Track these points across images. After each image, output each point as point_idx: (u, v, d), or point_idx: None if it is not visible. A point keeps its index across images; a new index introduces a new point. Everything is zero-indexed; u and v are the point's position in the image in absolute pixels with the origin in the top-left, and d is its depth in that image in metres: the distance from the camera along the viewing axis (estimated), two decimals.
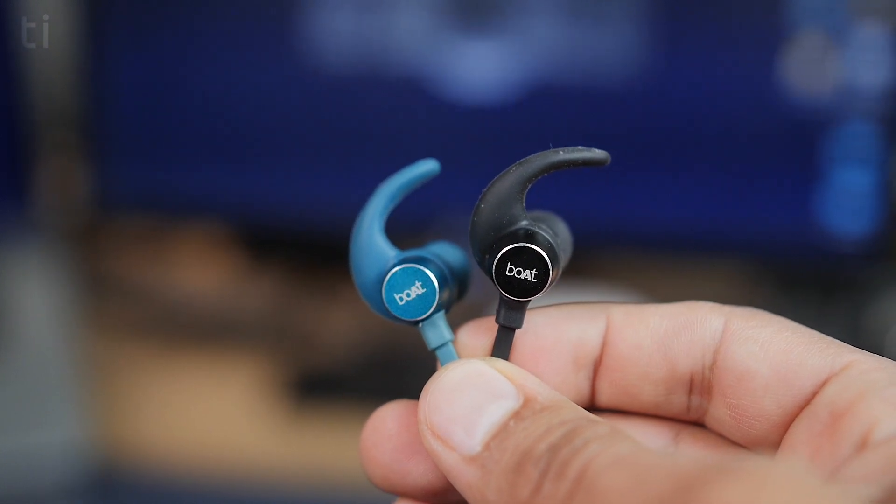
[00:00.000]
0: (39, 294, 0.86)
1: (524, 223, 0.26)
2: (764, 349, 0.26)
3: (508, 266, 0.26)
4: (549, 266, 0.26)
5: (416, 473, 0.27)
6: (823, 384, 0.25)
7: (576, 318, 0.27)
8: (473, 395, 0.25)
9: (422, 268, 0.27)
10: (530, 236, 0.26)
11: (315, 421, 0.85)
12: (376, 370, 0.88)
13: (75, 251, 0.92)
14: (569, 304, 0.28)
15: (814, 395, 0.25)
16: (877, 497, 0.22)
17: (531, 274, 0.26)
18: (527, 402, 0.24)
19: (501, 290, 0.26)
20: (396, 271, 0.27)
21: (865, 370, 0.25)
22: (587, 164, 0.27)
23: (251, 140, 0.89)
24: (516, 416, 0.24)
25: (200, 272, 0.97)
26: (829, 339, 0.26)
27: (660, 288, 0.92)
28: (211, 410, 0.86)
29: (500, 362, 0.26)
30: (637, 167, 0.85)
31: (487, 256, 0.26)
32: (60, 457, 0.80)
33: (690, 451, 0.27)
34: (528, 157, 0.27)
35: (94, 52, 0.88)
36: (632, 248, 0.89)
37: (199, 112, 0.89)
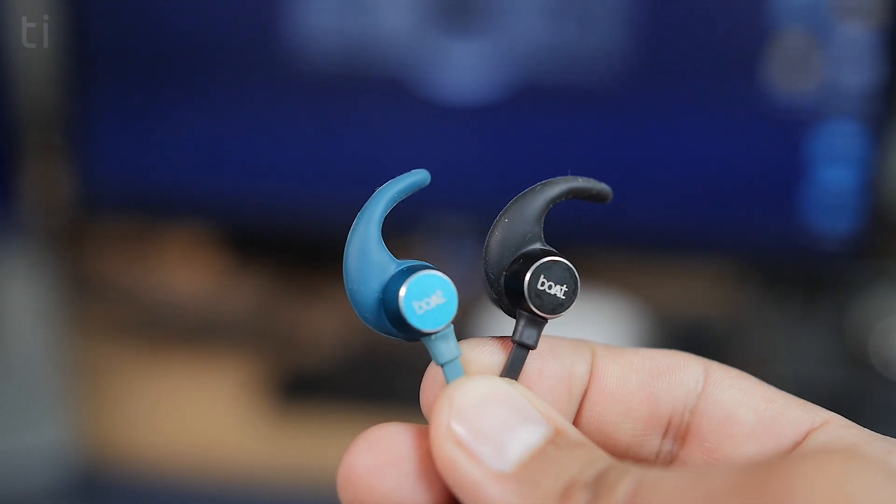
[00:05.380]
0: (24, 295, 0.85)
1: (538, 245, 0.26)
2: (748, 397, 0.26)
3: (542, 279, 0.25)
4: (578, 284, 0.26)
5: (421, 503, 0.25)
6: (805, 436, 0.25)
7: (567, 347, 0.27)
8: (503, 412, 0.24)
9: (444, 276, 0.25)
10: (557, 254, 0.26)
11: (300, 421, 0.85)
12: (361, 371, 0.88)
13: (60, 252, 0.92)
14: (554, 337, 0.28)
15: (795, 445, 0.26)
16: None
17: (561, 290, 0.26)
18: (559, 433, 0.24)
19: (531, 303, 0.25)
20: (419, 276, 0.25)
21: (844, 426, 0.25)
22: (598, 196, 0.27)
23: (236, 141, 0.89)
24: (553, 443, 0.24)
25: (185, 273, 0.97)
26: (801, 399, 0.27)
27: (645, 287, 0.92)
28: (196, 411, 0.86)
29: (522, 388, 0.25)
30: (622, 165, 0.86)
31: (506, 273, 0.26)
32: (46, 458, 0.80)
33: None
34: (551, 179, 0.27)
35: (78, 53, 0.87)
36: (617, 247, 0.89)
37: (184, 112, 0.88)
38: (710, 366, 0.27)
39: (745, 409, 0.26)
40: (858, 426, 0.25)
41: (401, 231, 0.85)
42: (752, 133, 0.83)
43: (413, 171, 0.27)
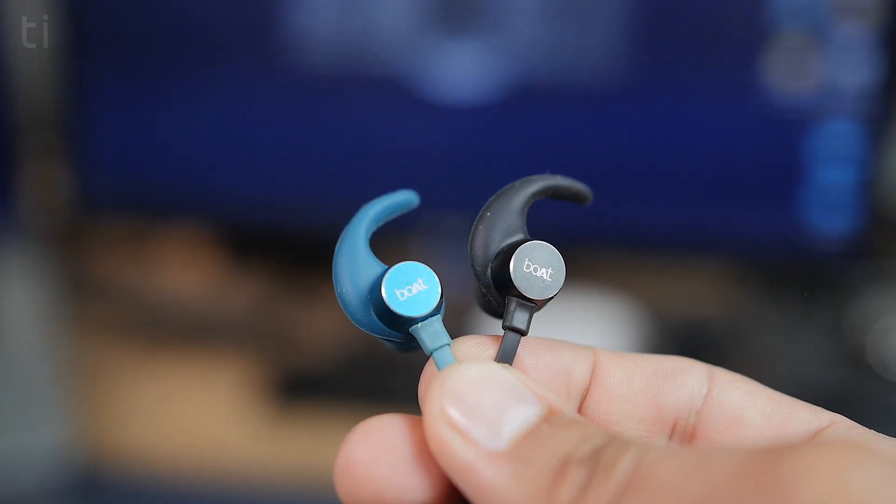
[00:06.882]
0: (22, 296, 0.85)
1: (521, 236, 0.27)
2: (754, 399, 0.26)
3: (526, 262, 0.26)
4: (563, 267, 0.26)
5: (419, 489, 0.25)
6: (814, 436, 0.26)
7: (566, 347, 0.27)
8: (497, 393, 0.24)
9: (423, 265, 0.26)
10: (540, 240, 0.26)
11: (299, 421, 0.85)
12: (360, 371, 0.88)
13: (58, 253, 0.92)
14: (554, 339, 0.28)
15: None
16: None
17: (546, 272, 0.26)
18: (553, 412, 0.24)
19: (518, 286, 0.26)
20: (398, 266, 0.26)
21: (851, 426, 0.26)
22: (577, 196, 0.28)
23: (235, 141, 0.89)
24: (547, 421, 0.24)
25: (184, 273, 0.97)
26: (806, 402, 0.27)
27: (644, 287, 0.92)
28: (195, 411, 0.86)
29: (515, 371, 0.25)
30: (621, 165, 0.86)
31: (492, 264, 0.27)
32: (45, 459, 0.80)
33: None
34: (531, 177, 0.28)
35: (76, 54, 0.87)
36: (616, 247, 0.89)
37: (182, 113, 0.88)
38: (714, 370, 0.27)
39: (752, 410, 0.26)
40: (865, 427, 0.25)
41: (398, 231, 0.85)
42: (750, 133, 0.83)
43: (401, 191, 0.29)
